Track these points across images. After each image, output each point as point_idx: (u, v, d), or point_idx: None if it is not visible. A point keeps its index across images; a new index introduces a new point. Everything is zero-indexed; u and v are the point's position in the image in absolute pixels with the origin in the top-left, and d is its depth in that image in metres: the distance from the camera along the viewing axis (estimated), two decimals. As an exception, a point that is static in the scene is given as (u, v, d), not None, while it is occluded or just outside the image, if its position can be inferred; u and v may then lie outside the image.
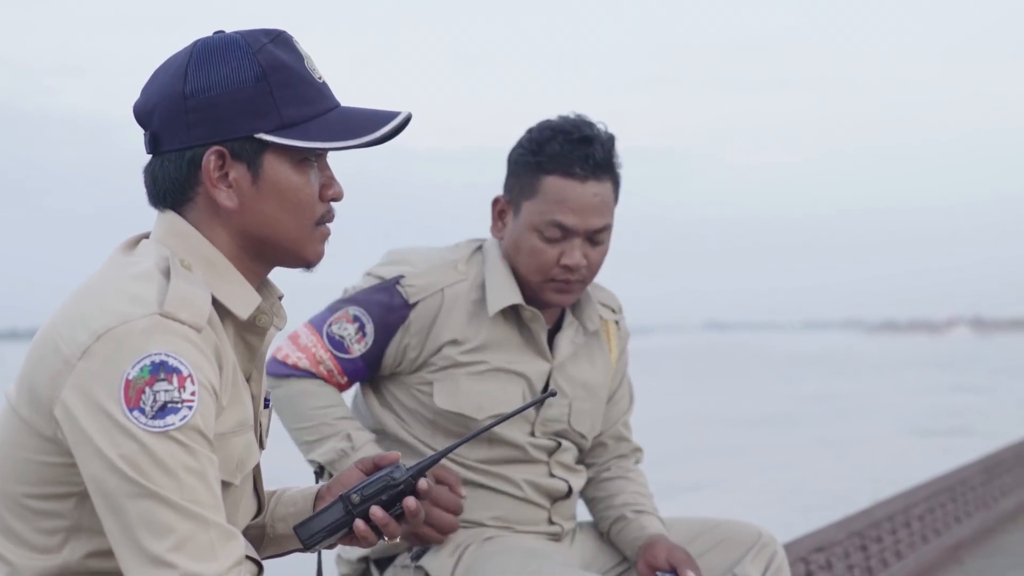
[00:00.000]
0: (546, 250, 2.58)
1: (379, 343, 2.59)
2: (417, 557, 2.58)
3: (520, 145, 2.61)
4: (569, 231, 2.57)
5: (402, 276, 2.60)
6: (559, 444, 2.69)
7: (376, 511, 1.78)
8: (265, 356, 1.79)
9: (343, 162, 1.75)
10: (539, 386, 2.66)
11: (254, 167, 1.66)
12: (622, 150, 2.62)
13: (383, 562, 2.65)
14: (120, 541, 1.54)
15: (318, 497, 1.89)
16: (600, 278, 2.72)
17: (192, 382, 1.55)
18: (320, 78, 1.71)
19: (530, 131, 2.61)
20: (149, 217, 1.72)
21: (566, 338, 2.69)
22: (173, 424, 1.53)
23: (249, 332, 1.72)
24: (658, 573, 2.58)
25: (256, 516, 1.85)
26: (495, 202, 2.66)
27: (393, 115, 1.70)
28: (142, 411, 1.53)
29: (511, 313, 2.63)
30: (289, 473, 2.61)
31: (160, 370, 1.54)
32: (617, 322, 2.81)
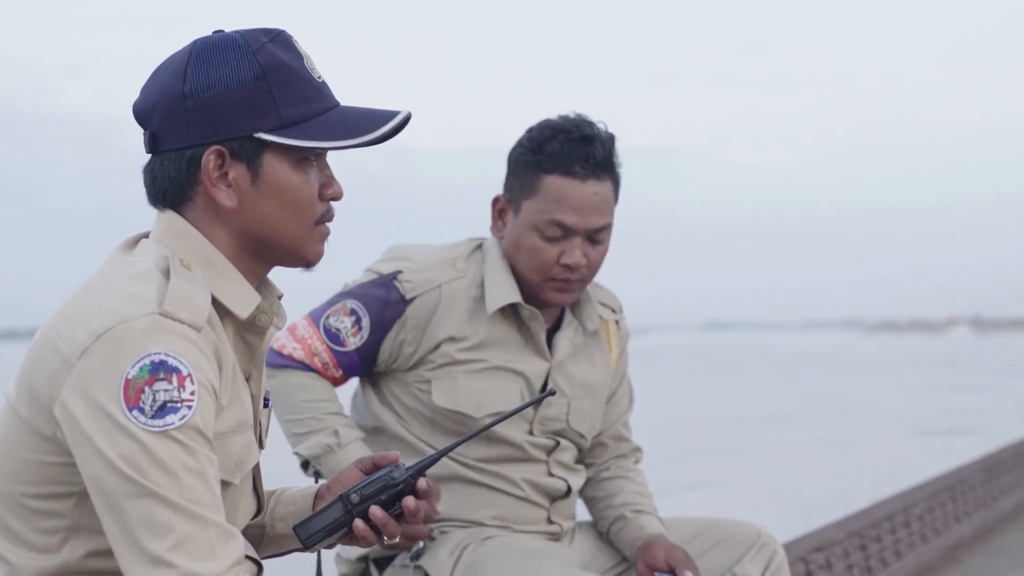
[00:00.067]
0: (546, 249, 2.58)
1: (375, 337, 2.59)
2: (416, 557, 2.59)
3: (520, 144, 2.62)
4: (569, 230, 2.57)
5: (400, 271, 2.61)
6: (558, 443, 2.69)
7: (375, 511, 1.78)
8: (264, 356, 1.79)
9: (342, 161, 1.75)
10: (537, 385, 2.66)
11: (253, 166, 1.66)
12: (622, 150, 2.62)
13: (382, 562, 2.65)
14: (119, 541, 1.54)
15: (317, 497, 1.89)
16: (600, 278, 2.73)
17: (192, 381, 1.55)
18: (319, 77, 1.70)
19: (530, 130, 2.61)
20: (149, 217, 1.72)
21: (565, 337, 2.69)
22: (172, 424, 1.53)
23: (249, 331, 1.72)
24: (656, 574, 2.58)
25: (256, 516, 1.85)
26: (495, 201, 2.66)
27: (392, 114, 1.70)
28: (141, 410, 1.52)
29: (510, 312, 2.63)
30: (289, 473, 2.61)
31: (159, 369, 1.54)
32: (617, 322, 2.81)
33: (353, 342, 2.59)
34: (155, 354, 1.54)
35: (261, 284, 1.75)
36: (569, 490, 2.72)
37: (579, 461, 2.79)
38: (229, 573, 1.54)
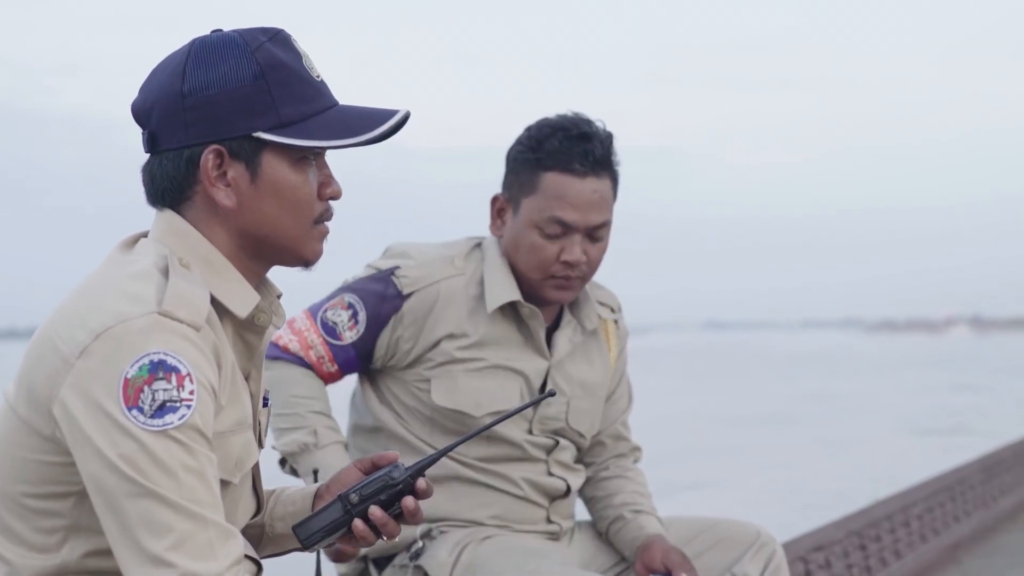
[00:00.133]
0: (546, 246, 2.58)
1: (371, 332, 2.59)
2: (416, 556, 2.58)
3: (519, 142, 2.62)
4: (569, 227, 2.57)
5: (397, 267, 2.62)
6: (557, 442, 2.69)
7: (375, 511, 1.78)
8: (263, 355, 1.79)
9: (341, 161, 1.75)
10: (537, 384, 2.66)
11: (252, 166, 1.66)
12: (621, 149, 2.63)
13: (382, 561, 2.65)
14: (119, 540, 1.54)
15: (317, 496, 1.89)
16: (599, 277, 2.73)
17: (191, 381, 1.55)
18: (318, 76, 1.70)
19: (529, 129, 2.61)
20: (149, 216, 1.72)
21: (564, 336, 2.69)
22: (172, 423, 1.53)
23: (248, 331, 1.72)
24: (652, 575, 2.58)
25: (255, 515, 1.85)
26: (494, 200, 2.66)
27: (391, 113, 1.70)
28: (141, 410, 1.52)
29: (509, 310, 2.63)
30: (288, 472, 2.61)
31: (159, 369, 1.54)
32: (616, 321, 2.81)
33: (349, 336, 2.60)
34: (154, 353, 1.54)
35: (260, 283, 1.75)
36: (568, 490, 2.72)
37: (578, 460, 2.79)
38: (228, 573, 1.54)
